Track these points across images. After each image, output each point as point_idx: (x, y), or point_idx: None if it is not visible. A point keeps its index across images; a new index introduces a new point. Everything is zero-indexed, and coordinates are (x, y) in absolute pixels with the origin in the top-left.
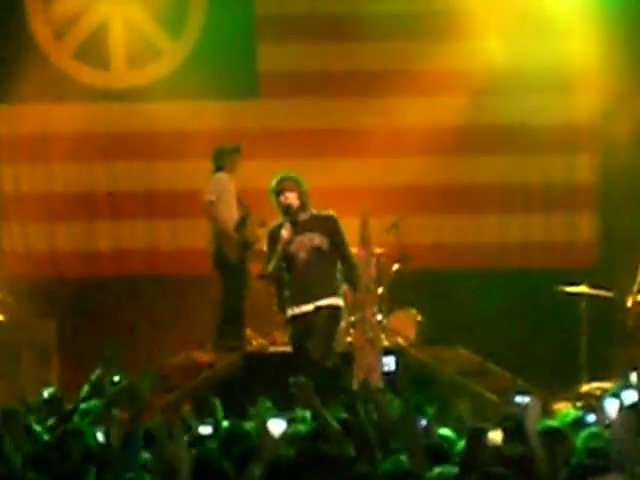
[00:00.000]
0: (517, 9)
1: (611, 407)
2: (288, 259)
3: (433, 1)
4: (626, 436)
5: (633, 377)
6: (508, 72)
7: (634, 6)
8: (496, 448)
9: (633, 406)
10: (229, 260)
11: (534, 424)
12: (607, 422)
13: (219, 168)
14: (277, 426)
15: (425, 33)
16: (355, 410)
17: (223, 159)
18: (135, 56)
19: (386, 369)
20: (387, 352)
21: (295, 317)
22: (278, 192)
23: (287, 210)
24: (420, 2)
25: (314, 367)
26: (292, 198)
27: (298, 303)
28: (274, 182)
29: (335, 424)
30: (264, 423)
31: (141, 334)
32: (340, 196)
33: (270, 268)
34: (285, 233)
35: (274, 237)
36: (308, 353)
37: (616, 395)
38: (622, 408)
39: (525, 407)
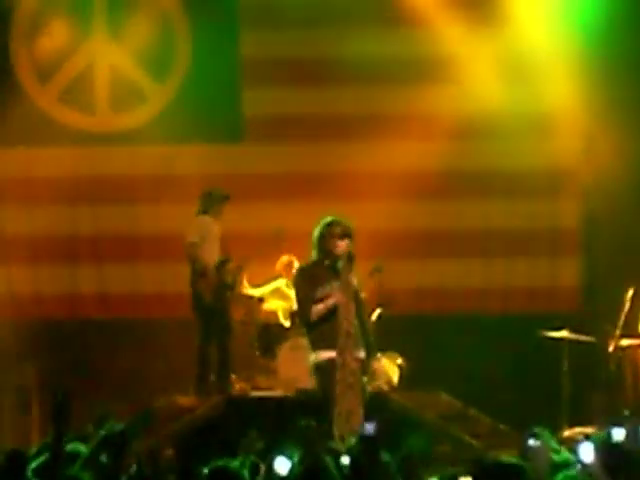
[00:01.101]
0: (497, 54)
1: (586, 451)
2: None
3: (416, 46)
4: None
5: (618, 433)
6: (490, 117)
7: (612, 48)
8: None
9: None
10: (204, 302)
11: (544, 467)
12: (581, 466)
13: (204, 211)
14: (283, 465)
15: (409, 78)
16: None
17: (210, 203)
18: (120, 100)
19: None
20: (367, 417)
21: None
22: (343, 236)
23: (349, 257)
24: (403, 47)
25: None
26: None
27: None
28: (339, 224)
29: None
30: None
31: (125, 378)
32: None
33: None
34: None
35: (313, 278)
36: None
37: (592, 439)
38: (600, 450)
39: (535, 451)
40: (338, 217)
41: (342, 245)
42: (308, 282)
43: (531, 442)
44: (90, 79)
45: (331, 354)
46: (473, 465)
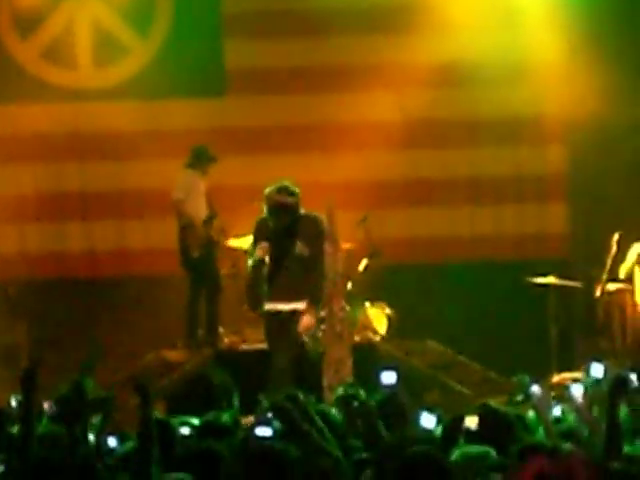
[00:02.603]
0: (483, 2)
1: (577, 393)
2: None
3: None
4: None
5: (597, 369)
6: (476, 64)
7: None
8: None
9: (599, 381)
10: (192, 257)
11: (548, 412)
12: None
13: (192, 165)
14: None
15: (393, 27)
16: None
17: (199, 160)
18: (102, 55)
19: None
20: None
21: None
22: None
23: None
24: None
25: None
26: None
27: (274, 300)
28: (272, 198)
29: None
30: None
31: (112, 334)
32: (309, 191)
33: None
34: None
35: (262, 229)
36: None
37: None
38: (586, 390)
39: (537, 396)
40: (284, 185)
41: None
42: (257, 236)
43: (534, 388)
44: (72, 34)
45: (272, 305)
46: (481, 407)
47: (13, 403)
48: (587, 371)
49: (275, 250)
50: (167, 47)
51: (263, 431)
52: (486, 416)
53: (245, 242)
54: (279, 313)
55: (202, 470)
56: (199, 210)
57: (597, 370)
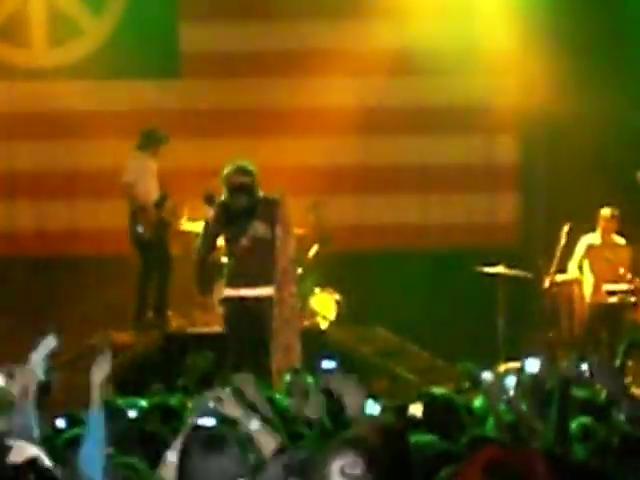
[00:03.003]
0: None
1: (510, 384)
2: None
3: None
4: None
5: (532, 364)
6: (429, 52)
7: None
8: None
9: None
10: (144, 238)
11: (498, 399)
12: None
13: (141, 147)
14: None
15: (349, 13)
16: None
17: (149, 142)
18: (56, 35)
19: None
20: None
21: (231, 299)
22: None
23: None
24: None
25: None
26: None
27: (237, 286)
28: (231, 177)
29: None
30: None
31: (62, 315)
32: (261, 176)
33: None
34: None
35: (220, 213)
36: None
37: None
38: (519, 382)
39: (488, 383)
40: (241, 165)
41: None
42: (220, 218)
43: (485, 375)
44: (26, 14)
45: (233, 292)
46: (425, 395)
47: None
48: (522, 366)
49: (234, 232)
50: (122, 28)
51: (206, 421)
52: (431, 404)
53: (197, 226)
54: (243, 299)
55: (147, 453)
56: (150, 192)
57: (532, 365)
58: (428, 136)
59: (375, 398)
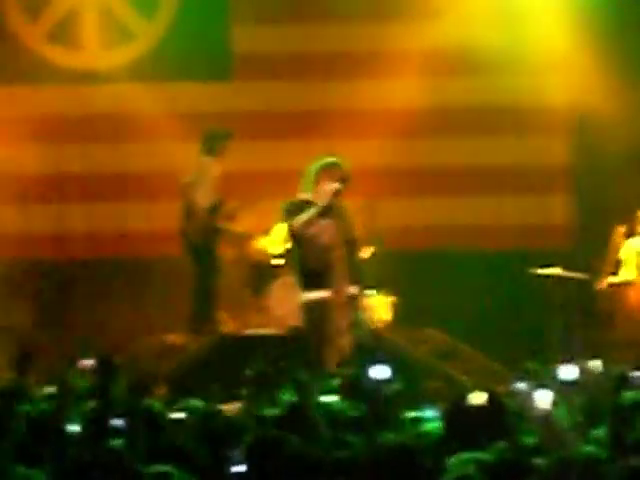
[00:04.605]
0: None
1: (544, 400)
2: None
3: None
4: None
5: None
6: (479, 53)
7: None
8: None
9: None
10: (191, 242)
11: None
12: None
13: (208, 151)
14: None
15: (399, 14)
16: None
17: (212, 143)
18: (108, 38)
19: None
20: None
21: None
22: (342, 180)
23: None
24: None
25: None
26: None
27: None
28: (340, 167)
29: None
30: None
31: (114, 317)
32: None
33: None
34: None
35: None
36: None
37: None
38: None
39: (520, 394)
40: (336, 158)
41: (339, 188)
42: (296, 213)
43: (518, 385)
44: (78, 16)
45: (320, 294)
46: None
47: None
48: (554, 374)
49: (325, 231)
50: (173, 30)
51: (237, 468)
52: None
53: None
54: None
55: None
56: (205, 197)
57: (568, 372)
58: (480, 137)
59: (430, 400)
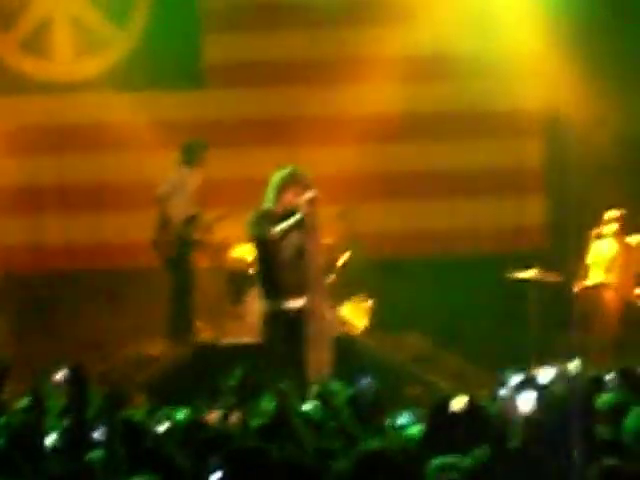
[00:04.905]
0: None
1: (526, 402)
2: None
3: None
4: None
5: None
6: (453, 58)
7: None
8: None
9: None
10: (165, 253)
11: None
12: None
13: (187, 162)
14: None
15: (371, 20)
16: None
17: (192, 153)
18: (80, 48)
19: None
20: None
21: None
22: (306, 187)
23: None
24: None
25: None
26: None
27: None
28: (301, 175)
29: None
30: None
31: (89, 328)
32: None
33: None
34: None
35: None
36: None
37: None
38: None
39: (504, 400)
40: (297, 167)
41: (306, 195)
42: (267, 223)
43: (502, 392)
44: (50, 27)
45: (297, 302)
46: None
47: None
48: (533, 377)
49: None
50: (145, 39)
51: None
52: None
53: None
54: (282, 311)
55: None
56: (181, 208)
57: (546, 375)
58: (454, 141)
59: (408, 405)
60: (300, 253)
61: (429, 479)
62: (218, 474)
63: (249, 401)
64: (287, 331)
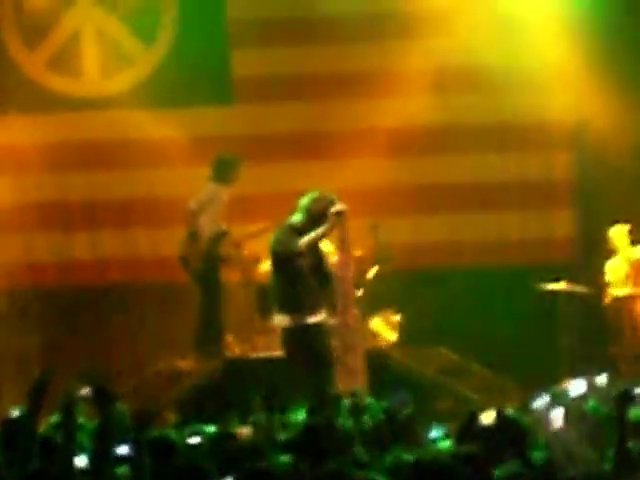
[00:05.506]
0: (490, 9)
1: (557, 417)
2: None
3: (405, 1)
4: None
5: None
6: (481, 70)
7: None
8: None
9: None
10: (192, 268)
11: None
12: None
13: (219, 178)
14: None
15: (399, 33)
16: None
17: (226, 170)
18: (108, 64)
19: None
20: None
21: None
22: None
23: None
24: (393, 2)
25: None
26: None
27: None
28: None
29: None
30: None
31: (120, 343)
32: None
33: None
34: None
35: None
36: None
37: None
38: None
39: (537, 415)
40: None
41: (335, 208)
42: (292, 237)
43: (536, 404)
44: (78, 44)
45: (323, 316)
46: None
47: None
48: (564, 391)
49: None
50: (173, 56)
51: None
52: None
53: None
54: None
55: None
56: (211, 223)
57: (577, 388)
58: (482, 154)
59: (439, 418)
60: (320, 267)
61: None
62: None
63: (277, 415)
64: (307, 346)
